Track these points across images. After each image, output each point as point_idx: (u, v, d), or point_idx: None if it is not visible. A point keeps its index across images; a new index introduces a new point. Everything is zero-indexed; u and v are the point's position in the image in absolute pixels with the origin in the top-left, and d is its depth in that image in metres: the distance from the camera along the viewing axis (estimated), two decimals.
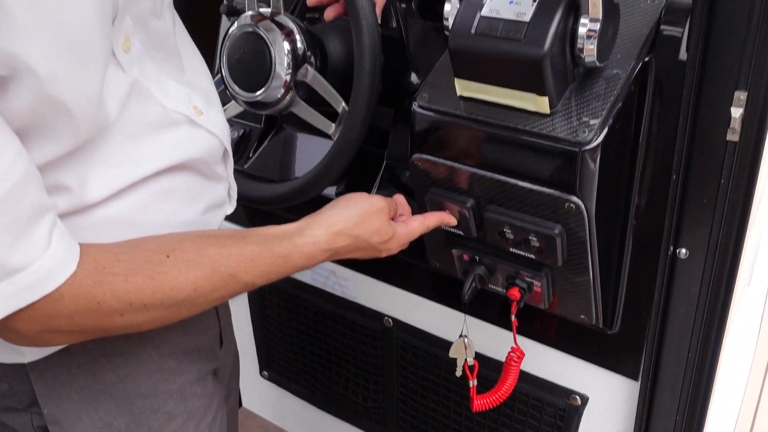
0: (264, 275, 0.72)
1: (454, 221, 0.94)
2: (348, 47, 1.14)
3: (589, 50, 0.78)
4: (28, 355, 0.71)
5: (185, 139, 0.74)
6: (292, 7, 1.19)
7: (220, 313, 0.91)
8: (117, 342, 0.75)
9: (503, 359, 1.06)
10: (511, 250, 0.93)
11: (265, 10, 1.06)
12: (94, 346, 0.74)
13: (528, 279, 0.96)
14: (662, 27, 0.83)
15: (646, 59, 0.83)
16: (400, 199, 0.92)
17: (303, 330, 1.48)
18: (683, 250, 0.91)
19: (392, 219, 0.87)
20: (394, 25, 1.16)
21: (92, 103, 0.60)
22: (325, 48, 1.10)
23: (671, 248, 0.91)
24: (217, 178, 0.82)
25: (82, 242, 0.63)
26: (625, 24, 0.85)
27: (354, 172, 1.22)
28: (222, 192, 0.84)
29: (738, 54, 0.75)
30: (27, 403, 0.73)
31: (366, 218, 0.81)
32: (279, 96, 1.04)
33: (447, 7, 0.88)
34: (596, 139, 0.79)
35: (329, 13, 1.06)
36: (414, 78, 1.19)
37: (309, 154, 1.28)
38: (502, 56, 0.79)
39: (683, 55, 0.81)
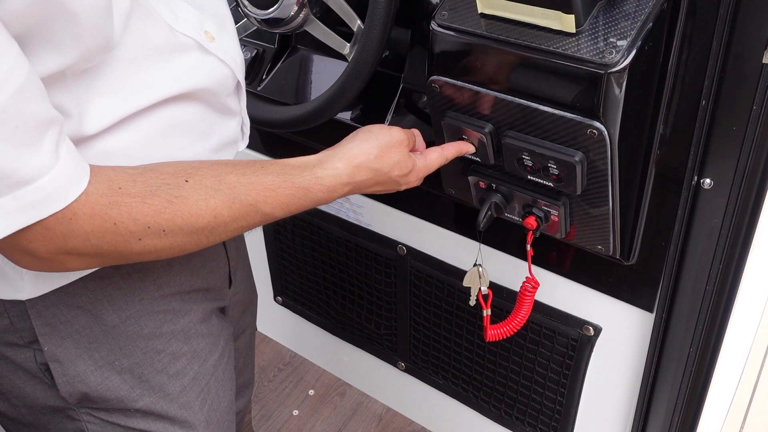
0: (284, 206, 0.70)
1: (472, 149, 0.91)
2: None
3: None
4: (26, 291, 0.70)
5: (194, 67, 0.70)
6: None
7: (230, 254, 0.89)
8: (119, 282, 0.74)
9: (517, 289, 1.05)
10: (529, 177, 0.90)
11: None
12: (95, 286, 0.72)
13: (545, 208, 0.94)
14: None
15: None
16: (416, 131, 0.89)
17: (317, 257, 1.49)
18: (707, 180, 0.88)
19: (411, 151, 0.84)
20: None
21: (96, 9, 0.57)
22: None
23: (695, 178, 0.88)
24: (229, 112, 0.78)
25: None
26: None
27: (369, 96, 1.18)
28: (234, 128, 0.81)
29: None
30: (28, 339, 0.73)
31: (387, 151, 0.78)
32: (292, 13, 1.00)
33: None
34: (623, 61, 0.75)
35: None
36: None
37: (324, 75, 1.24)
38: None
39: None
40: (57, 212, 0.57)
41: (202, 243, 0.66)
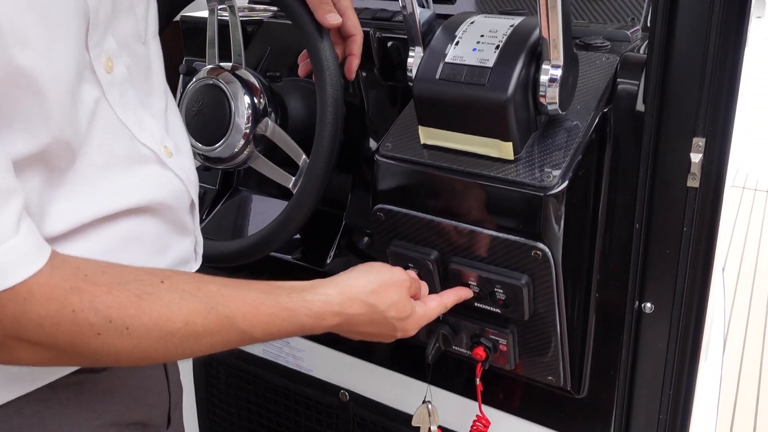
0: (264, 327, 0.65)
1: (471, 295, 0.88)
2: (308, 108, 1.14)
3: (552, 97, 0.79)
4: None
5: (153, 179, 0.70)
6: (253, 67, 1.20)
7: (172, 389, 0.83)
8: (56, 407, 0.67)
9: None
10: (476, 304, 0.90)
11: (226, 65, 1.05)
12: (30, 411, 0.66)
13: (493, 337, 0.92)
14: (618, 80, 0.85)
15: (605, 110, 0.85)
16: (422, 281, 0.86)
17: (252, 408, 1.39)
18: (648, 305, 0.90)
19: (411, 297, 0.81)
20: (355, 91, 1.17)
21: (64, 86, 0.56)
22: (285, 106, 1.10)
23: (636, 302, 0.90)
24: (185, 230, 0.77)
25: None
26: (583, 79, 0.87)
27: (311, 234, 1.19)
28: (188, 246, 0.78)
29: (694, 101, 0.77)
30: None
31: (385, 288, 0.75)
32: (237, 149, 1.02)
33: (410, 59, 0.90)
34: (561, 183, 0.79)
35: (303, 70, 1.05)
36: (372, 144, 1.19)
37: (264, 216, 1.25)
38: (467, 101, 0.79)
39: (640, 106, 0.83)
40: (9, 288, 0.52)
41: (170, 353, 0.60)
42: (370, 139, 1.19)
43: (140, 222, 0.69)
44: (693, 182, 0.78)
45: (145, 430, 0.77)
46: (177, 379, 0.87)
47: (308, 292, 0.70)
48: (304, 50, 1.03)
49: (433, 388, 1.12)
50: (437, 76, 0.81)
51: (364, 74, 1.16)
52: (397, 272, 0.78)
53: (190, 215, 0.79)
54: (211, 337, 0.62)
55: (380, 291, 0.74)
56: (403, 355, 1.18)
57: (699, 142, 0.77)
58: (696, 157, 0.77)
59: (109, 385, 0.72)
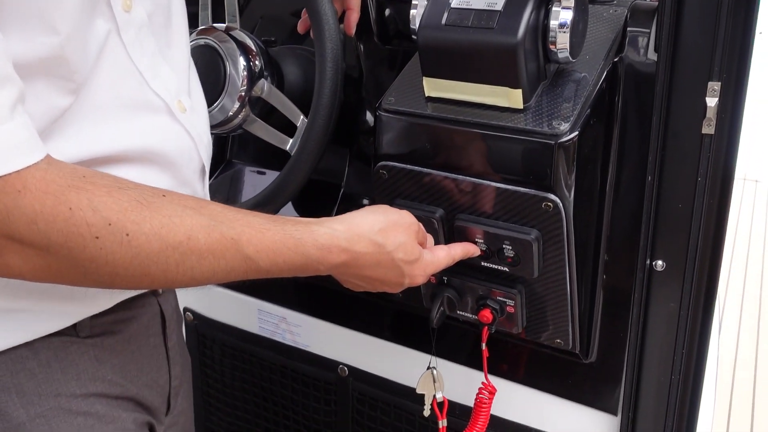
0: (270, 255, 0.61)
1: (478, 251, 0.84)
2: (305, 74, 1.11)
3: (562, 43, 0.76)
4: None
5: (159, 129, 0.67)
6: (249, 30, 1.16)
7: (173, 371, 0.80)
8: (34, 369, 0.63)
9: (471, 404, 0.97)
10: (482, 264, 0.87)
11: (220, 26, 1.02)
12: (5, 370, 0.62)
13: (500, 298, 0.90)
14: (628, 29, 0.83)
15: (615, 60, 0.83)
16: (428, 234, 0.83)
17: (248, 388, 1.35)
18: (660, 262, 0.87)
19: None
20: (353, 62, 1.14)
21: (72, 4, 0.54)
22: (281, 71, 1.07)
23: (648, 260, 0.87)
24: (193, 191, 0.74)
25: None
26: (592, 31, 0.85)
27: (308, 203, 1.15)
28: None
29: (709, 44, 0.74)
30: None
31: (393, 228, 0.72)
32: (233, 112, 0.99)
33: (413, 11, 0.86)
34: (573, 131, 0.76)
35: (302, 26, 1.02)
36: (369, 117, 1.16)
37: (258, 190, 1.21)
38: (474, 47, 0.76)
39: (651, 54, 0.81)
40: (1, 177, 0.49)
41: (171, 272, 0.56)
42: (368, 112, 1.16)
43: (144, 173, 0.65)
44: (708, 129, 0.76)
45: (138, 408, 0.74)
46: (181, 363, 0.83)
47: (315, 225, 0.67)
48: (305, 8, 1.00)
49: (436, 359, 1.09)
50: (443, 22, 0.78)
51: (361, 45, 1.13)
52: (405, 215, 0.75)
53: (201, 181, 0.76)
54: (214, 258, 0.58)
55: (388, 231, 0.71)
56: (403, 326, 1.15)
57: (714, 86, 0.75)
58: (712, 102, 0.74)
59: (97, 353, 0.69)
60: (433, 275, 0.92)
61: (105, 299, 0.69)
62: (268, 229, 0.61)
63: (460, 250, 0.82)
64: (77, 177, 0.53)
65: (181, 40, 0.74)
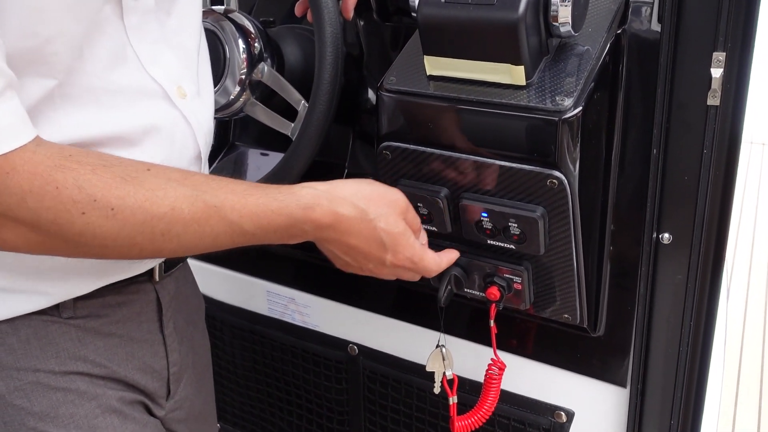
0: (254, 218, 0.62)
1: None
2: (305, 55, 1.10)
3: (564, 17, 0.75)
4: None
5: (154, 114, 0.67)
6: (247, 11, 1.15)
7: (171, 356, 0.80)
8: (14, 345, 0.65)
9: (481, 380, 0.98)
10: (489, 242, 0.87)
11: (218, 8, 1.01)
12: None
13: (507, 275, 0.90)
14: (631, 0, 0.82)
15: (618, 33, 0.82)
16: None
17: (259, 369, 1.37)
18: (666, 235, 0.87)
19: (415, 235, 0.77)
20: (353, 41, 1.13)
21: None
22: (281, 52, 1.06)
23: (654, 233, 0.87)
24: None
25: None
26: (594, 3, 0.83)
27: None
28: None
29: (714, 13, 0.73)
30: None
31: (379, 199, 0.72)
32: (233, 96, 0.98)
33: None
34: (576, 107, 0.75)
35: (300, 8, 1.01)
36: (371, 95, 1.15)
37: (262, 172, 1.21)
38: (475, 23, 0.75)
39: (655, 25, 0.80)
40: None
41: (157, 241, 0.58)
42: (369, 91, 1.15)
43: (133, 157, 0.64)
44: (713, 100, 0.75)
45: (127, 389, 0.74)
46: (183, 350, 0.83)
47: (298, 187, 0.68)
48: None
49: (445, 336, 1.09)
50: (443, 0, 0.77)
51: (361, 22, 1.12)
52: (395, 191, 0.75)
53: (196, 168, 0.75)
54: (198, 225, 0.60)
55: (371, 199, 0.71)
56: (411, 304, 1.16)
57: (719, 56, 0.74)
58: (717, 72, 0.73)
59: (80, 334, 0.70)
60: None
61: (89, 282, 0.70)
62: (251, 194, 0.63)
63: (446, 260, 0.83)
64: (63, 156, 0.55)
65: (189, 26, 0.74)
